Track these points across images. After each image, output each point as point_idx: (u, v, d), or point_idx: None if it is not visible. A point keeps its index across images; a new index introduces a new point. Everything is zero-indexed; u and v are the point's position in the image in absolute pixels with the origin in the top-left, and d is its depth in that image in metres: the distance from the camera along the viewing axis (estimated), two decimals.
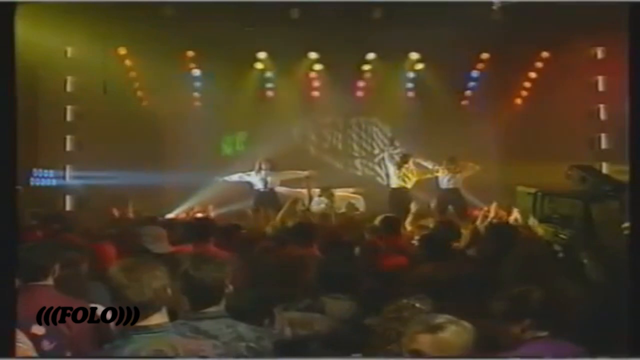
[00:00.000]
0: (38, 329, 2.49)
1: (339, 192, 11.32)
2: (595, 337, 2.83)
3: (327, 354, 2.94)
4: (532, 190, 5.62)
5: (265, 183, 11.05)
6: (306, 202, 10.77)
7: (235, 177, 11.33)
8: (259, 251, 4.97)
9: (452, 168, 11.11)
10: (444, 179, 11.17)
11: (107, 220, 8.03)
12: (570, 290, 3.13)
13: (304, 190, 10.94)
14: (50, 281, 3.36)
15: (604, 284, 3.57)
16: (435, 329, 2.35)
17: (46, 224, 6.17)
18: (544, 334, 2.75)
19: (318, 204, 10.88)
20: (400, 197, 10.73)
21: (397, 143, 13.11)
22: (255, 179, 11.13)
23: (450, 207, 10.39)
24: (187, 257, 3.20)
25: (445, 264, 4.04)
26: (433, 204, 9.89)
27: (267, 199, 10.66)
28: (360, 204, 11.56)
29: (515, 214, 7.38)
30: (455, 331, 2.35)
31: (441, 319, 2.39)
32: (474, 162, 11.32)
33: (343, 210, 10.65)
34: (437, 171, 11.25)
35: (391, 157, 11.56)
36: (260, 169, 11.13)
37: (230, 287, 2.96)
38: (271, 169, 11.10)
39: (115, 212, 8.37)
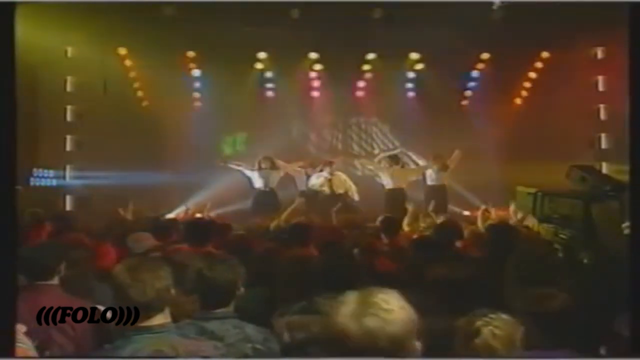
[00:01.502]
0: (19, 327, 2.49)
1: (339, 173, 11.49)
2: (595, 337, 2.83)
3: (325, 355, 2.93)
4: (532, 190, 5.62)
5: (266, 182, 11.07)
6: (303, 181, 11.12)
7: (238, 167, 11.37)
8: (257, 251, 4.96)
9: (438, 165, 11.22)
10: (431, 175, 11.27)
11: (106, 221, 8.02)
12: (569, 290, 3.12)
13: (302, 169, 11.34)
14: (56, 281, 3.37)
15: (604, 283, 3.57)
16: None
17: (46, 224, 6.17)
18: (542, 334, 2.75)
19: (317, 177, 10.99)
20: (395, 198, 10.79)
21: (396, 143, 13.21)
22: (256, 178, 11.15)
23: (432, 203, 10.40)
24: (199, 258, 3.19)
25: (442, 264, 4.04)
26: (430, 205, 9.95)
27: (267, 199, 10.68)
28: (355, 195, 11.56)
29: (515, 214, 7.39)
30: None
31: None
32: (467, 158, 11.42)
33: (341, 191, 10.85)
34: (426, 169, 11.41)
35: (387, 158, 11.65)
36: (260, 167, 11.14)
37: (242, 289, 2.95)
38: (271, 167, 11.13)
39: (118, 212, 8.36)
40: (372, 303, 1.80)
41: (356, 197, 11.29)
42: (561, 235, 5.01)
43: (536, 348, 2.63)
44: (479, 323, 2.41)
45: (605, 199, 5.01)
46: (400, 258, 4.88)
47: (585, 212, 4.87)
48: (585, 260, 4.00)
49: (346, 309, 1.80)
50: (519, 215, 6.86)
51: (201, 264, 2.96)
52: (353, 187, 11.45)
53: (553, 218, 5.25)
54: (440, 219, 7.68)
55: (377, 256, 4.93)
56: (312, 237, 5.24)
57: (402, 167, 11.63)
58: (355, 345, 1.74)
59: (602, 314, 2.97)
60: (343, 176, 11.53)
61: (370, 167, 11.96)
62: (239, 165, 11.42)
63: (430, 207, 8.63)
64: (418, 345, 1.82)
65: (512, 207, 7.47)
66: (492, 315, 2.43)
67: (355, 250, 4.99)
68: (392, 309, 1.80)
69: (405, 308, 1.81)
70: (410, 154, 12.23)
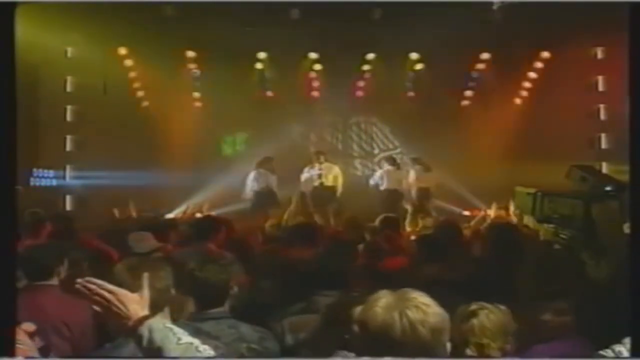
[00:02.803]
0: (28, 326, 2.49)
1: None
2: (594, 336, 2.82)
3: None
4: (532, 190, 5.63)
5: (265, 183, 11.08)
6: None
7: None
8: (257, 252, 4.96)
9: (421, 167, 11.32)
10: (413, 178, 11.47)
11: (106, 221, 8.02)
12: (570, 290, 3.13)
13: None
14: (55, 281, 3.37)
15: (604, 283, 3.57)
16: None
17: (46, 224, 6.16)
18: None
19: (308, 170, 11.23)
20: (391, 198, 10.83)
21: (396, 143, 13.23)
22: (254, 177, 11.17)
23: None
24: (192, 257, 3.19)
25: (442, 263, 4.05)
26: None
27: (267, 199, 10.70)
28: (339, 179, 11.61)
29: (514, 214, 7.41)
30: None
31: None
32: (467, 158, 11.44)
33: (332, 183, 11.14)
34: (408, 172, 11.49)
35: (384, 159, 11.72)
36: (259, 167, 11.18)
37: (235, 289, 2.95)
38: (272, 171, 11.16)
39: (116, 213, 8.35)
40: (409, 298, 1.83)
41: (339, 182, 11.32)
42: (561, 235, 5.02)
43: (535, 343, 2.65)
44: (475, 306, 2.64)
45: (606, 199, 5.01)
46: (400, 257, 4.89)
47: (586, 212, 4.87)
48: (585, 260, 4.01)
49: (383, 303, 1.82)
50: (518, 215, 6.88)
51: (193, 265, 2.96)
52: (340, 176, 11.45)
53: (553, 218, 5.25)
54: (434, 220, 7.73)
55: (378, 255, 4.93)
56: (313, 237, 5.24)
57: (398, 168, 11.68)
58: (396, 336, 1.76)
59: (602, 314, 2.96)
60: (333, 167, 11.54)
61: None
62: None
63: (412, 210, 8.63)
64: (449, 346, 1.85)
65: (511, 207, 7.50)
66: (489, 305, 2.64)
67: (358, 249, 5.00)
68: (430, 303, 1.84)
69: (438, 306, 1.86)
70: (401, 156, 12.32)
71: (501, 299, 2.80)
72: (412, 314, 1.78)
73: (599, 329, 2.84)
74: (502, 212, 8.34)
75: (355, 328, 1.85)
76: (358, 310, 1.90)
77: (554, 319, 2.81)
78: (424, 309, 1.80)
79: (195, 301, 2.90)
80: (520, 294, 2.96)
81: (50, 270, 3.37)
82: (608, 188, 5.10)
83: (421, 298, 1.84)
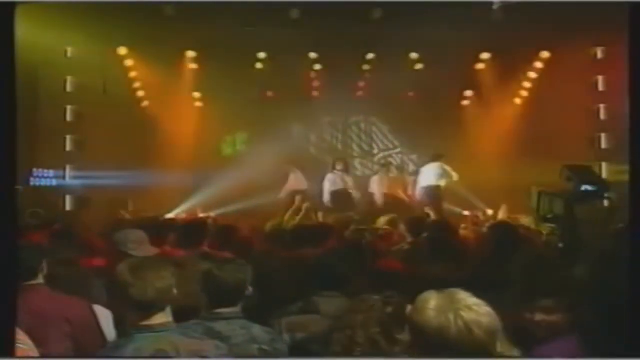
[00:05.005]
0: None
1: None
2: (594, 336, 2.82)
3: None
4: (538, 189, 5.70)
5: (342, 184, 11.17)
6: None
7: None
8: (258, 253, 4.96)
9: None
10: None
11: (106, 221, 8.02)
12: (560, 291, 3.12)
13: None
14: (40, 279, 3.33)
15: (586, 283, 3.56)
16: None
17: (46, 224, 6.17)
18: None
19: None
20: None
21: (396, 143, 13.25)
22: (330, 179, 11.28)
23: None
24: (208, 258, 3.19)
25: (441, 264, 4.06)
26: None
27: (343, 199, 10.76)
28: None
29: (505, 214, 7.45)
30: None
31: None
32: (467, 158, 11.56)
33: None
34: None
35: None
36: (334, 169, 11.24)
37: (250, 289, 2.95)
38: (345, 169, 11.43)
39: (116, 213, 8.37)
40: (459, 299, 1.80)
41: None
42: (556, 234, 5.10)
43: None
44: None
45: (588, 198, 5.10)
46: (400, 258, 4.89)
47: (567, 211, 4.96)
48: (570, 260, 4.04)
49: (434, 305, 1.79)
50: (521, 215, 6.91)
51: (210, 264, 2.97)
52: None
53: (549, 217, 5.33)
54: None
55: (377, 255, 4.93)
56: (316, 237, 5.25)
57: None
58: (452, 338, 1.74)
59: (583, 316, 2.96)
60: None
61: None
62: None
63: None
64: (499, 346, 1.82)
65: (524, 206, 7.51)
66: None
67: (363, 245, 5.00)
68: (480, 304, 1.81)
69: (488, 306, 1.83)
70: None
71: (495, 298, 2.80)
72: (467, 315, 1.76)
73: (586, 330, 2.84)
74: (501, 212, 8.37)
75: (408, 330, 1.82)
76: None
77: (543, 319, 2.80)
78: (476, 309, 1.78)
79: (209, 301, 2.90)
80: (510, 294, 2.96)
81: (35, 270, 3.32)
82: (591, 188, 5.17)
83: (470, 299, 1.81)
